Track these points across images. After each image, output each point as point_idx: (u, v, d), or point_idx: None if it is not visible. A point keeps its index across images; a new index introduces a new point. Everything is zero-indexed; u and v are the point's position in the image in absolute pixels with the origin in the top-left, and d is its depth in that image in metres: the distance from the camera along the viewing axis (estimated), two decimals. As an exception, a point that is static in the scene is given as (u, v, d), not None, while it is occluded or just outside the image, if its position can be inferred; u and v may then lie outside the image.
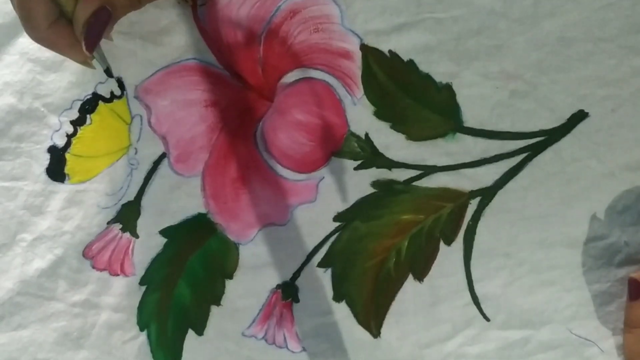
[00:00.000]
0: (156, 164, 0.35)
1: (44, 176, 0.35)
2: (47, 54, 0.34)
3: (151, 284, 0.35)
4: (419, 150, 0.34)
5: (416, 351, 0.35)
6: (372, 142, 0.34)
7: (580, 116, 0.33)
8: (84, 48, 0.29)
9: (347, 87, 0.34)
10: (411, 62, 0.33)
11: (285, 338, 0.35)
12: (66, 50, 0.30)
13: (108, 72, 0.32)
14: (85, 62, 0.32)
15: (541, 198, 0.34)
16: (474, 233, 0.34)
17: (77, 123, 0.35)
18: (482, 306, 0.34)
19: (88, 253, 0.35)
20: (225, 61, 0.34)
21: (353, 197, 0.34)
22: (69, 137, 0.35)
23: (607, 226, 0.34)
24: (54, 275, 0.35)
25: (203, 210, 0.35)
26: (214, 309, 0.35)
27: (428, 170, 0.34)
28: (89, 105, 0.34)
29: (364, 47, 0.33)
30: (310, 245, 0.35)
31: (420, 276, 0.34)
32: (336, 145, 0.34)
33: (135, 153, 0.35)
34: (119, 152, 0.35)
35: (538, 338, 0.34)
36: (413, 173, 0.34)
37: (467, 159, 0.34)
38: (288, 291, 0.35)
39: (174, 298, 0.35)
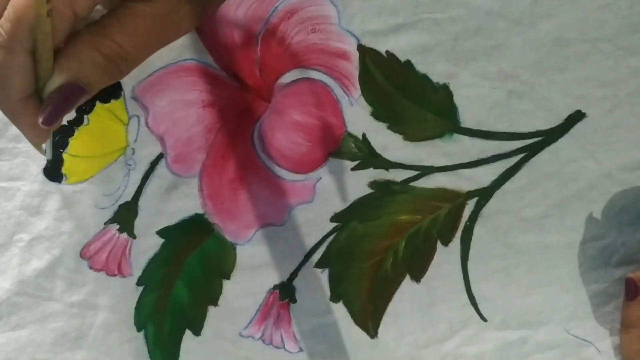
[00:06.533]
0: (153, 164, 0.35)
1: (41, 176, 0.35)
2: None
3: (148, 285, 0.35)
4: (416, 150, 0.34)
5: (413, 351, 0.35)
6: (369, 143, 0.34)
7: (577, 117, 0.33)
8: (39, 120, 0.27)
9: (345, 87, 0.34)
10: (408, 62, 0.33)
11: (282, 338, 0.35)
12: (26, 128, 0.29)
13: (48, 163, 0.33)
14: (38, 146, 0.30)
15: (538, 198, 0.34)
16: (471, 233, 0.34)
17: (74, 123, 0.35)
18: (480, 307, 0.34)
19: (85, 253, 0.35)
20: (223, 62, 0.34)
21: (350, 197, 0.34)
22: (66, 137, 0.35)
23: (604, 227, 0.34)
24: (51, 275, 0.35)
25: (200, 211, 0.35)
26: (211, 310, 0.35)
27: (425, 170, 0.34)
28: (86, 106, 0.34)
29: (361, 48, 0.33)
30: (308, 245, 0.35)
31: (417, 277, 0.34)
32: (334, 145, 0.34)
33: (133, 153, 0.35)
34: (116, 152, 0.35)
35: (535, 338, 0.34)
36: (410, 173, 0.34)
37: (465, 160, 0.34)
38: (285, 291, 0.35)
39: (172, 298, 0.35)
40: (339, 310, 0.35)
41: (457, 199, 0.34)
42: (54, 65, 0.27)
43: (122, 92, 0.34)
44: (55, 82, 0.27)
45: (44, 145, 0.30)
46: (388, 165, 0.34)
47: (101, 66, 0.27)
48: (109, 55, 0.27)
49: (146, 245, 0.35)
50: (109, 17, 0.28)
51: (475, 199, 0.34)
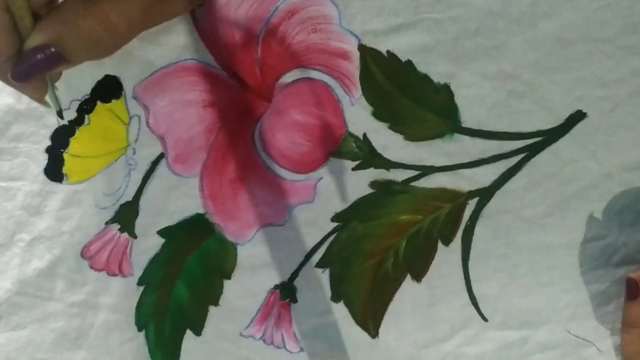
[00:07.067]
0: (154, 164, 0.35)
1: (42, 176, 0.35)
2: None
3: (149, 285, 0.35)
4: (417, 150, 0.34)
5: (414, 351, 0.35)
6: (370, 143, 0.34)
7: (578, 117, 0.33)
8: (9, 74, 0.27)
9: (345, 87, 0.34)
10: (409, 62, 0.33)
11: (283, 338, 0.35)
12: (20, 87, 0.28)
13: (60, 115, 0.31)
14: (41, 100, 0.29)
15: (539, 198, 0.34)
16: (472, 233, 0.34)
17: (75, 123, 0.35)
18: (480, 306, 0.34)
19: (86, 253, 0.35)
20: (224, 61, 0.34)
21: (351, 197, 0.34)
22: (67, 136, 0.35)
23: (605, 226, 0.34)
24: (52, 275, 0.35)
25: (201, 211, 0.35)
26: (212, 309, 0.35)
27: (426, 170, 0.34)
28: (86, 106, 0.34)
29: (362, 48, 0.33)
30: (309, 245, 0.35)
31: (418, 276, 0.34)
32: (334, 145, 0.34)
33: (134, 153, 0.35)
34: (117, 152, 0.35)
35: (536, 338, 0.34)
36: (411, 173, 0.34)
37: (465, 160, 0.34)
38: (286, 291, 0.35)
39: (172, 298, 0.35)
40: (340, 310, 0.35)
41: (457, 198, 0.34)
42: (37, 23, 0.26)
43: (123, 92, 0.34)
44: (34, 40, 0.26)
45: (47, 99, 0.29)
46: (389, 165, 0.34)
47: (84, 34, 0.26)
48: (94, 24, 0.26)
49: (147, 245, 0.35)
50: None
51: (476, 199, 0.34)
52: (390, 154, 0.34)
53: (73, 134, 0.35)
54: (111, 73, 0.34)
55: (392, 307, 0.35)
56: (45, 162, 0.35)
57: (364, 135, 0.34)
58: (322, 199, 0.34)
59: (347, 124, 0.34)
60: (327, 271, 0.35)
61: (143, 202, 0.35)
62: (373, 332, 0.35)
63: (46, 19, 0.27)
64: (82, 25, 0.26)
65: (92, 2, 0.27)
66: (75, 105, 0.35)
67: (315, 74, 0.34)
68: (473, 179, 0.34)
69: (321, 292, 0.35)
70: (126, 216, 0.35)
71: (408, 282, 0.35)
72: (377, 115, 0.34)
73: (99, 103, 0.34)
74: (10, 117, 0.35)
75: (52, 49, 0.26)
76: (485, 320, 0.35)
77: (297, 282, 0.35)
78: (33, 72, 0.27)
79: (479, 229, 0.34)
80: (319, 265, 0.35)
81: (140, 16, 0.28)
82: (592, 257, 0.34)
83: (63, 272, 0.35)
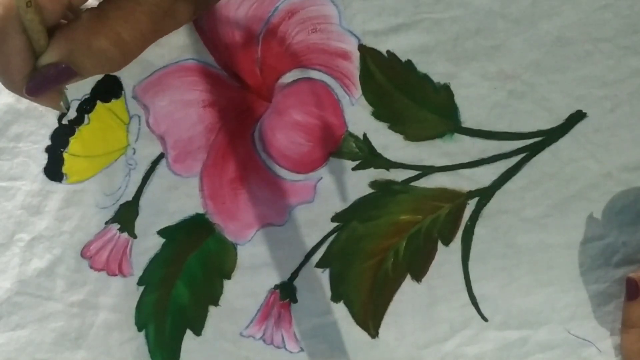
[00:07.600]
0: (154, 164, 0.35)
1: (42, 176, 0.35)
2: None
3: (149, 284, 0.35)
4: (417, 150, 0.34)
5: (414, 351, 0.35)
6: (370, 143, 0.34)
7: (578, 116, 0.33)
8: (23, 89, 0.27)
9: (345, 87, 0.34)
10: (409, 62, 0.33)
11: (283, 338, 0.35)
12: (36, 101, 0.29)
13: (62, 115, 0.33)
14: (58, 107, 0.30)
15: (539, 198, 0.34)
16: (472, 233, 0.34)
17: (75, 122, 0.35)
18: (480, 306, 0.34)
19: (86, 253, 0.35)
20: (224, 61, 0.34)
21: (351, 197, 0.34)
22: (67, 136, 0.35)
23: (605, 226, 0.34)
24: (52, 275, 0.35)
25: (201, 211, 0.35)
26: (212, 309, 0.35)
27: (426, 170, 0.34)
28: (86, 105, 0.34)
29: (362, 48, 0.33)
30: (309, 245, 0.35)
31: (418, 277, 0.34)
32: (334, 145, 0.34)
33: (134, 153, 0.35)
34: (116, 152, 0.35)
35: (536, 338, 0.34)
36: (411, 173, 0.34)
37: (465, 160, 0.34)
38: (286, 291, 0.35)
39: (172, 298, 0.35)
40: (340, 310, 0.35)
41: (457, 198, 0.34)
42: (50, 41, 0.27)
43: (123, 92, 0.34)
44: (48, 58, 0.27)
45: (61, 103, 0.30)
46: (389, 165, 0.34)
47: (96, 53, 0.27)
48: (106, 43, 0.27)
49: (147, 245, 0.35)
50: (109, 3, 0.27)
51: (476, 199, 0.34)
52: (390, 154, 0.34)
53: (73, 133, 0.35)
54: (111, 73, 0.34)
55: (392, 307, 0.35)
56: (45, 161, 0.35)
57: (364, 135, 0.34)
58: (322, 199, 0.34)
59: (347, 124, 0.34)
60: (327, 271, 0.35)
61: (143, 202, 0.35)
62: (373, 332, 0.35)
63: (59, 37, 0.27)
64: (95, 45, 0.27)
65: (102, 20, 0.27)
66: (75, 104, 0.34)
67: (315, 74, 0.34)
68: (473, 179, 0.34)
69: (321, 292, 0.35)
70: (126, 216, 0.35)
71: (408, 282, 0.35)
72: (377, 115, 0.34)
73: (98, 103, 0.34)
74: (10, 117, 0.35)
75: (64, 65, 0.27)
76: (485, 320, 0.35)
77: (297, 282, 0.35)
78: (45, 86, 0.28)
79: (478, 229, 0.34)
80: (319, 265, 0.35)
81: (150, 31, 0.28)
82: (592, 257, 0.34)
83: (63, 271, 0.35)
